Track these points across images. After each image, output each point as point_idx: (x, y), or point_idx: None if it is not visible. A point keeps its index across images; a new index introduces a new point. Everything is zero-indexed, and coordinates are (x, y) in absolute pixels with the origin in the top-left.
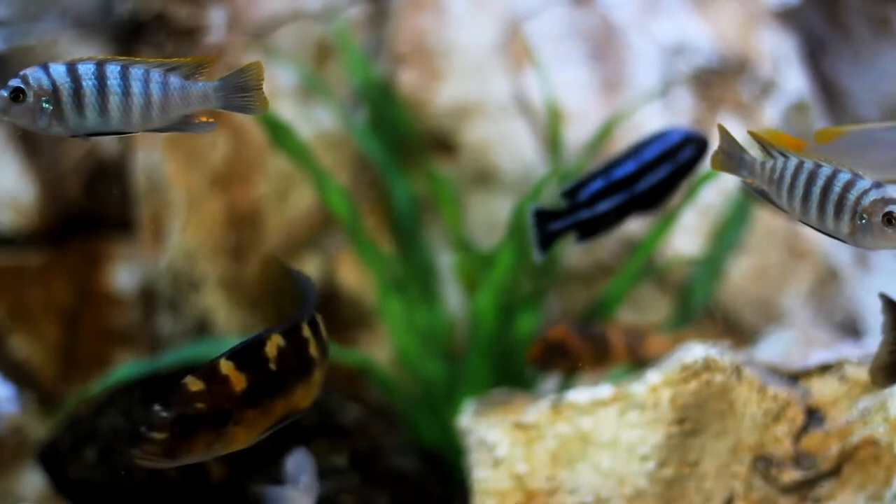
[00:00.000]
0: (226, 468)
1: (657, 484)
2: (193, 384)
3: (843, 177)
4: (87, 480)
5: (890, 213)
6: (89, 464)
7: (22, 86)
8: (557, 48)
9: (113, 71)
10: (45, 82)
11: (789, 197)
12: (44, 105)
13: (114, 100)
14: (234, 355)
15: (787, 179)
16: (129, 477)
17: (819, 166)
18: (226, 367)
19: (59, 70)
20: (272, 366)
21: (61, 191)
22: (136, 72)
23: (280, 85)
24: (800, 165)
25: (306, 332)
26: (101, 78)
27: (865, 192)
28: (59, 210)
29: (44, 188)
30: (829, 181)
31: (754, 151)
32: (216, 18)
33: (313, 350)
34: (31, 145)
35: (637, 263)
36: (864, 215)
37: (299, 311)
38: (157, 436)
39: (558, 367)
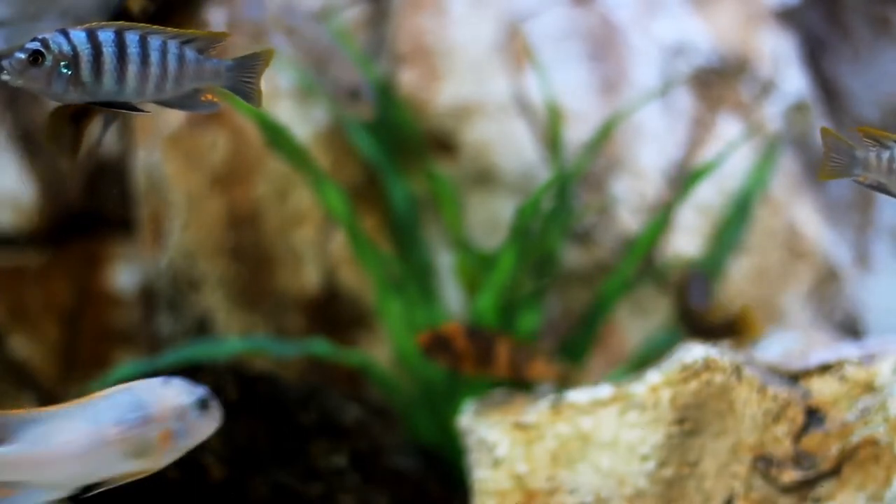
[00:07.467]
0: (226, 468)
1: (657, 484)
2: None
3: None
4: None
5: None
6: None
7: (41, 49)
8: (557, 48)
9: (132, 39)
10: (66, 47)
11: None
12: (62, 70)
13: (132, 68)
14: None
15: None
16: None
17: None
18: None
19: (79, 35)
20: None
21: (61, 191)
22: (154, 41)
23: (279, 85)
24: None
25: None
26: (120, 45)
27: None
28: (59, 210)
29: (44, 188)
30: None
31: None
32: (216, 18)
33: None
34: (31, 145)
35: (631, 261)
36: None
37: None
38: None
39: (441, 360)
